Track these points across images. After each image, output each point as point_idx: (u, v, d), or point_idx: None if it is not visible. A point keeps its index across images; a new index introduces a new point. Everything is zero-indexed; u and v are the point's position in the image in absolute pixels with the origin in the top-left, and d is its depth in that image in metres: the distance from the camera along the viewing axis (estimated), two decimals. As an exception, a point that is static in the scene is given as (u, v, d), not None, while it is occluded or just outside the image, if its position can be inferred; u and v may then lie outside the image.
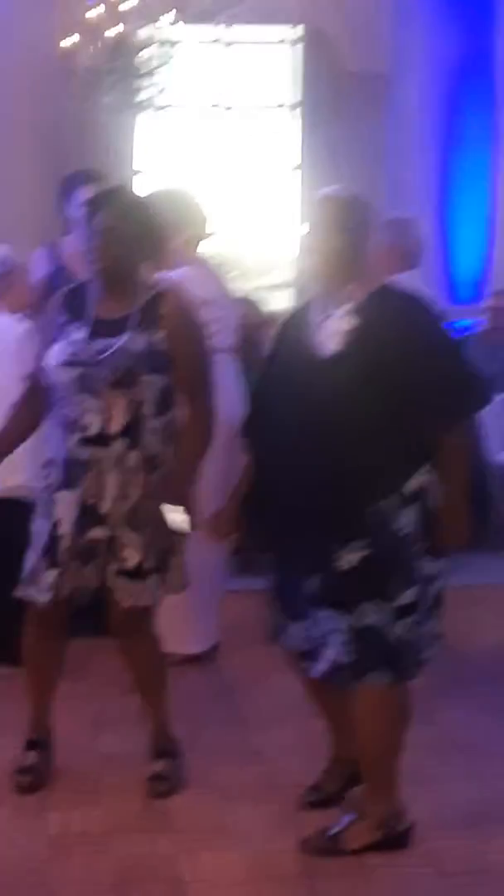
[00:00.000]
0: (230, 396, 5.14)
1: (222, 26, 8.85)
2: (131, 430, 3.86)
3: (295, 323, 3.74)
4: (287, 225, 10.15)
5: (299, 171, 10.04)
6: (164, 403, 3.94)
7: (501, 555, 7.09)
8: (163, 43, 7.72)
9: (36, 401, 4.05)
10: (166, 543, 3.96)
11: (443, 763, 4.34)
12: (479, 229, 9.91)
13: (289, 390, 3.67)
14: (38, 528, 3.96)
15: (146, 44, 7.86)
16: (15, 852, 3.72)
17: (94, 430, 3.86)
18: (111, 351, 3.85)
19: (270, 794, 4.06)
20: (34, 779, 4.09)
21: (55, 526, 3.89)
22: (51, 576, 3.89)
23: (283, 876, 3.58)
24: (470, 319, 9.12)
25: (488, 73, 9.76)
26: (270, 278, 10.76)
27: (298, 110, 10.14)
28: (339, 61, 9.84)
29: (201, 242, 5.36)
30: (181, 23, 7.80)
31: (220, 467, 5.09)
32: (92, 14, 7.68)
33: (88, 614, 4.12)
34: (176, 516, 3.93)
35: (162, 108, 9.41)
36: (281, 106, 10.26)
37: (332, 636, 3.59)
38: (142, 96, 7.98)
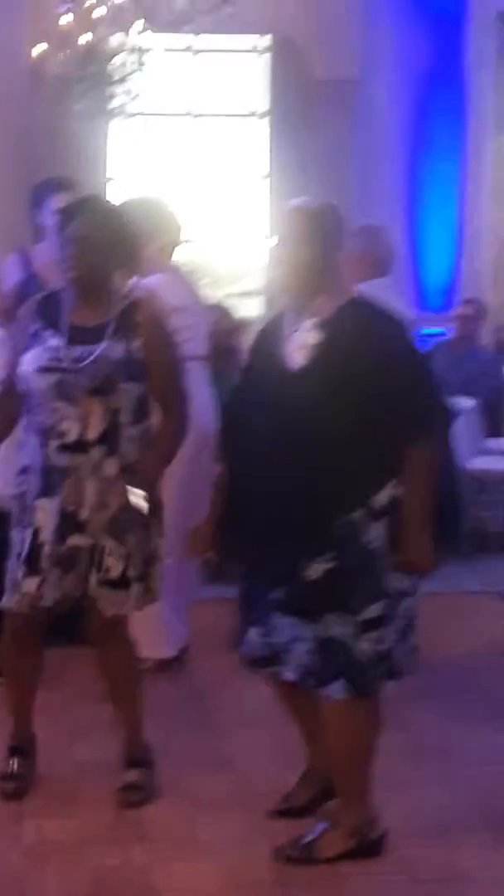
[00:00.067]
0: (201, 404, 5.15)
1: (192, 34, 8.85)
2: (109, 438, 3.87)
3: (269, 333, 3.74)
4: (257, 232, 10.16)
5: (269, 179, 10.05)
6: (141, 411, 3.95)
7: (472, 562, 7.14)
8: (133, 50, 7.71)
9: (8, 407, 4.04)
10: (147, 551, 3.96)
11: (415, 769, 4.35)
12: (449, 237, 9.95)
13: (261, 401, 3.68)
14: (16, 537, 3.95)
15: (117, 51, 7.85)
16: (-10, 862, 3.71)
17: (71, 436, 3.86)
18: (91, 358, 3.85)
19: (243, 803, 4.06)
20: (18, 786, 4.10)
21: (36, 534, 3.89)
22: (32, 584, 3.88)
23: (256, 885, 3.58)
24: (439, 327, 9.17)
25: (457, 79, 9.81)
26: (241, 286, 10.78)
27: (267, 118, 10.16)
28: (308, 69, 9.86)
29: (174, 250, 5.37)
30: (151, 31, 7.79)
31: (190, 473, 5.11)
32: (63, 22, 7.66)
33: (62, 623, 4.12)
34: (136, 498, 3.90)
35: (133, 115, 9.42)
36: (251, 114, 10.28)
37: (297, 644, 3.59)
38: (113, 104, 7.97)
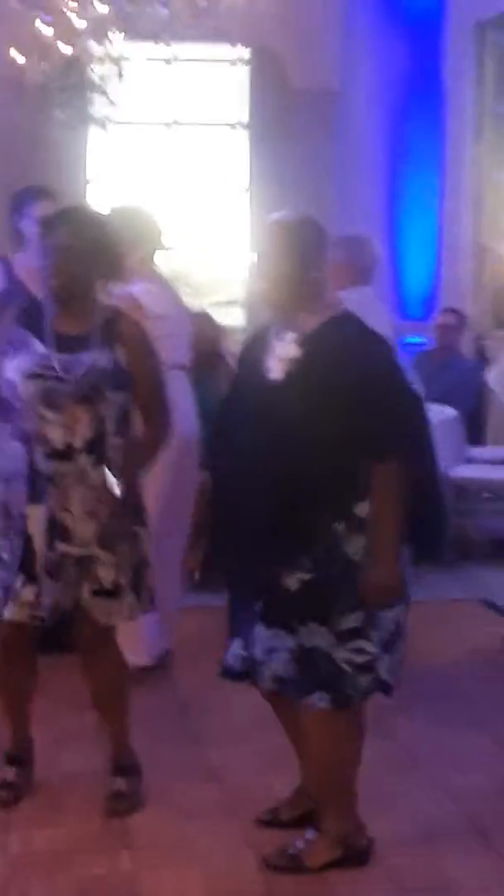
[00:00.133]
0: (183, 412, 5.15)
1: (171, 44, 8.85)
2: (95, 446, 3.86)
3: (254, 345, 3.74)
4: (237, 242, 10.17)
5: (248, 188, 10.06)
6: (125, 421, 3.95)
7: (455, 570, 7.15)
8: (113, 59, 7.72)
9: None
10: (138, 560, 3.97)
11: (401, 778, 4.35)
12: (428, 246, 9.97)
13: (245, 412, 3.68)
14: (5, 546, 3.93)
15: (97, 60, 7.85)
16: (-24, 872, 3.69)
17: (57, 444, 3.85)
18: (79, 366, 3.85)
19: (229, 812, 4.05)
20: (13, 794, 4.10)
21: (28, 541, 3.88)
22: (30, 593, 3.88)
23: (242, 892, 3.57)
24: (419, 337, 9.19)
25: (435, 89, 9.83)
26: (222, 295, 10.79)
27: (247, 128, 10.17)
28: (287, 80, 9.88)
29: (156, 257, 5.37)
30: (131, 40, 7.79)
31: (174, 481, 5.11)
32: (44, 31, 7.66)
33: (47, 632, 4.10)
34: (111, 481, 3.89)
35: (112, 122, 9.42)
36: (232, 127, 10.29)
37: (275, 655, 3.58)
38: (93, 112, 7.97)
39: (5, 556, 3.93)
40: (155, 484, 4.77)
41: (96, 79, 7.82)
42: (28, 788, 4.15)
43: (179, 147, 10.26)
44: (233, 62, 10.19)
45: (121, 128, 9.84)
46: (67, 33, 7.65)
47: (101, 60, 7.89)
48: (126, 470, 3.92)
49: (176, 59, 9.76)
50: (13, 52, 7.67)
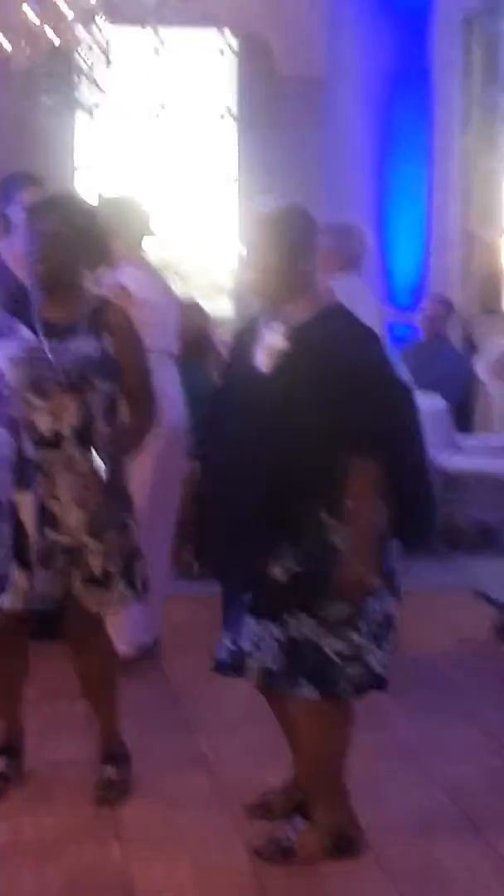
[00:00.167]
0: (171, 399, 5.14)
1: (157, 30, 8.83)
2: (82, 434, 3.85)
3: (245, 335, 3.72)
4: (225, 229, 10.15)
5: (236, 176, 10.04)
6: (112, 410, 3.94)
7: (444, 560, 7.15)
8: (99, 45, 7.68)
9: None
10: (128, 548, 3.95)
11: (391, 768, 4.35)
12: (416, 235, 9.97)
13: (235, 403, 3.67)
14: None
15: (83, 46, 7.82)
16: (-36, 862, 3.68)
17: (44, 431, 3.84)
18: (67, 354, 3.84)
19: (219, 802, 4.04)
20: (2, 784, 4.09)
21: (20, 528, 3.86)
22: (24, 580, 3.86)
23: (233, 883, 3.57)
24: (407, 325, 9.19)
25: (423, 78, 9.83)
26: (209, 282, 10.76)
27: (234, 116, 10.14)
28: (275, 67, 9.85)
29: (144, 245, 5.35)
30: (117, 25, 7.76)
31: (161, 469, 5.10)
32: (29, 16, 7.63)
33: (38, 620, 4.09)
34: (98, 464, 3.87)
35: (99, 108, 9.39)
36: (221, 116, 10.27)
37: (263, 645, 3.56)
38: (79, 98, 7.94)
39: None
40: (142, 472, 4.76)
41: (84, 65, 7.78)
42: (17, 778, 4.14)
43: (167, 135, 10.22)
44: (221, 50, 10.15)
45: (108, 114, 9.81)
46: (55, 19, 7.61)
47: (88, 47, 7.85)
48: (113, 458, 3.90)
49: (163, 43, 9.73)
50: (0, 38, 7.63)
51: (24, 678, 4.19)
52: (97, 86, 7.82)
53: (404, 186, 9.97)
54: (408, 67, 9.90)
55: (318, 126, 9.88)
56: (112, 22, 7.61)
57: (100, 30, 7.67)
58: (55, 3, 7.66)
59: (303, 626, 3.51)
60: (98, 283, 4.70)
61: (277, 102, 9.87)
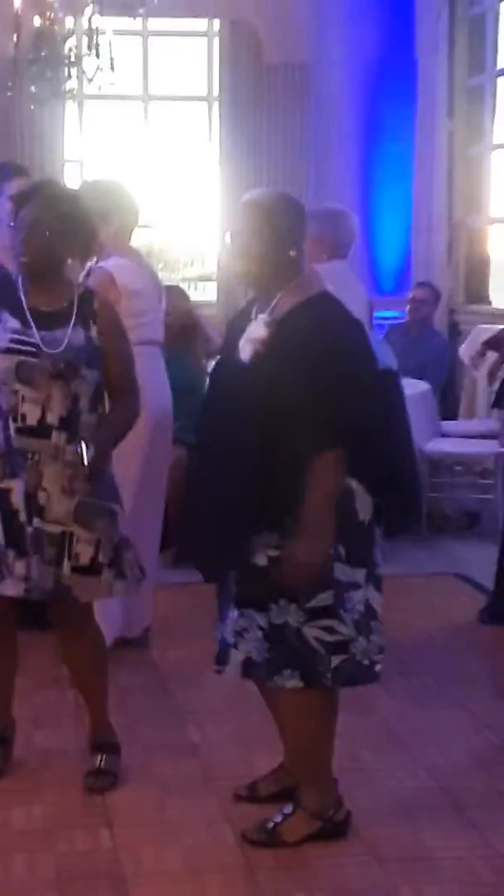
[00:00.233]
0: (155, 388, 5.15)
1: (143, 18, 8.81)
2: (69, 423, 3.86)
3: (236, 322, 3.72)
4: (211, 216, 10.15)
5: (220, 162, 10.03)
6: (97, 398, 3.95)
7: (429, 544, 7.19)
8: (86, 33, 7.65)
9: None
10: (117, 537, 3.96)
11: (377, 751, 4.38)
12: (402, 220, 9.97)
13: (221, 391, 3.69)
14: None
15: (70, 34, 7.79)
16: (-45, 851, 3.70)
17: (31, 420, 3.84)
18: (53, 342, 3.84)
19: (209, 788, 4.07)
20: None
21: (14, 516, 3.87)
22: (23, 567, 3.87)
23: (223, 868, 3.59)
24: (392, 311, 9.21)
25: (409, 64, 9.81)
26: (195, 270, 10.78)
27: (218, 102, 10.13)
28: (260, 53, 9.83)
29: (132, 233, 5.35)
30: (103, 13, 7.73)
31: (147, 458, 5.12)
32: (15, 4, 7.60)
33: (28, 609, 4.11)
34: (82, 450, 3.86)
35: (86, 97, 9.38)
36: (203, 100, 10.26)
37: (248, 634, 3.58)
38: (67, 86, 7.91)
39: None
40: (129, 462, 4.77)
41: (70, 53, 7.75)
42: (7, 767, 4.15)
43: (152, 120, 10.21)
44: (206, 34, 10.13)
45: (95, 102, 9.80)
46: (39, 5, 7.58)
47: (75, 34, 7.83)
48: (99, 446, 3.89)
49: (148, 29, 9.73)
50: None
51: (14, 667, 4.20)
52: (85, 75, 7.78)
53: (389, 172, 9.97)
54: (393, 54, 9.88)
55: (303, 113, 9.87)
56: (101, 13, 7.57)
57: (88, 18, 7.63)
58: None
59: (285, 613, 3.52)
60: (84, 272, 4.72)
61: (263, 89, 9.85)
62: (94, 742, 4.16)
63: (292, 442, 3.42)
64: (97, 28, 7.55)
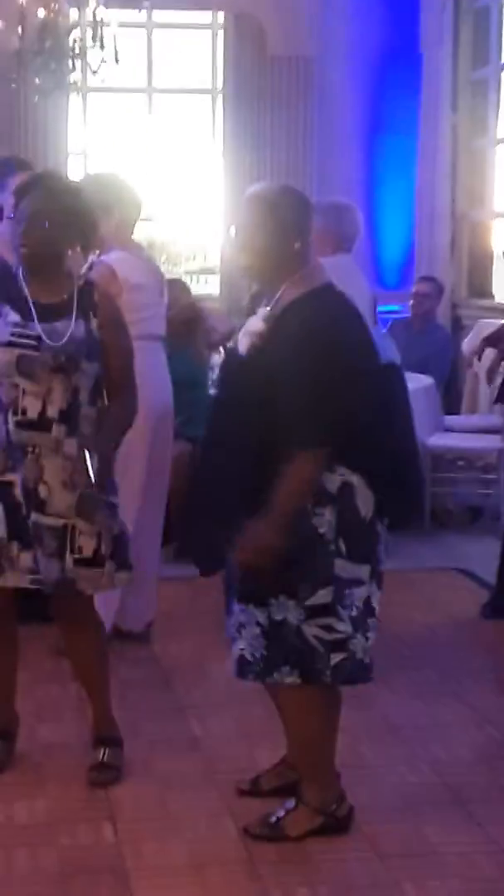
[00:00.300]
0: (156, 383, 5.15)
1: (148, 10, 8.81)
2: (69, 417, 3.85)
3: (247, 314, 3.72)
4: (214, 210, 10.15)
5: (224, 155, 10.03)
6: (97, 392, 3.94)
7: (431, 538, 7.19)
8: (91, 25, 7.65)
9: None
10: (117, 528, 3.96)
11: (378, 746, 4.38)
12: (406, 214, 9.97)
13: (224, 383, 3.71)
14: None
15: (74, 26, 7.79)
16: (-42, 845, 3.70)
17: (31, 414, 3.84)
18: (54, 335, 3.84)
19: (211, 782, 4.07)
20: None
21: (17, 508, 3.86)
22: (29, 559, 3.87)
23: (225, 862, 3.60)
24: (396, 305, 9.21)
25: (413, 57, 9.81)
26: (197, 263, 10.77)
27: (222, 95, 10.13)
28: (265, 45, 9.83)
29: (134, 226, 5.35)
30: (108, 6, 7.73)
31: (150, 452, 5.12)
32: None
33: (23, 602, 4.12)
34: (89, 461, 3.87)
35: (91, 90, 9.39)
36: (207, 92, 10.26)
37: (246, 630, 3.58)
38: (71, 78, 7.91)
39: None
40: (131, 457, 4.78)
41: (75, 45, 7.75)
42: (8, 762, 4.14)
43: (157, 114, 10.21)
44: (210, 27, 10.13)
45: (99, 95, 9.80)
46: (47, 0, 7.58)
47: (79, 26, 7.82)
48: (98, 439, 3.90)
49: (152, 22, 9.72)
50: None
51: (16, 661, 4.20)
52: (90, 67, 7.78)
53: (393, 166, 9.97)
54: (397, 47, 9.88)
55: (307, 106, 9.88)
56: (106, 5, 7.57)
57: (93, 11, 7.63)
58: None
59: (284, 610, 3.52)
60: (87, 265, 4.71)
61: (267, 82, 9.85)
62: (96, 736, 4.15)
63: (286, 435, 3.41)
64: (101, 20, 7.55)
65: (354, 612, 3.55)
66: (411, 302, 8.90)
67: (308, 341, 3.41)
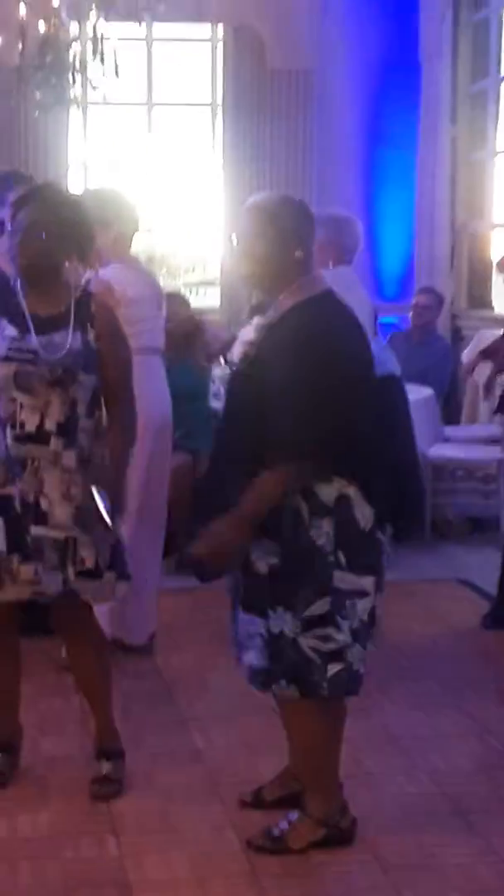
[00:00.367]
0: (155, 396, 5.16)
1: (148, 24, 8.83)
2: (67, 429, 3.87)
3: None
4: (214, 222, 10.17)
5: (224, 168, 10.06)
6: (94, 403, 3.95)
7: (432, 549, 7.20)
8: (91, 39, 7.68)
9: None
10: (113, 539, 3.97)
11: (380, 757, 4.39)
12: (405, 226, 9.99)
13: (226, 393, 3.72)
14: None
15: (74, 40, 7.82)
16: (-38, 858, 3.71)
17: (29, 427, 3.85)
18: (51, 348, 3.85)
19: (214, 795, 4.08)
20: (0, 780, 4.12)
21: (17, 521, 3.88)
22: (30, 570, 3.88)
23: (228, 875, 3.60)
24: (395, 316, 9.23)
25: (412, 69, 9.83)
26: (196, 275, 10.79)
27: (222, 108, 10.16)
28: (264, 59, 9.86)
29: (132, 240, 5.37)
30: (108, 20, 7.75)
31: (148, 465, 5.13)
32: (20, 10, 7.62)
33: (26, 614, 4.13)
34: (98, 499, 3.90)
35: (90, 103, 9.41)
36: (207, 106, 10.29)
37: (252, 639, 3.59)
38: (72, 92, 7.93)
39: None
40: (130, 470, 4.78)
41: (75, 59, 7.77)
42: (11, 775, 4.15)
43: (158, 128, 10.24)
44: (210, 40, 10.16)
45: (99, 109, 9.82)
46: (46, 13, 7.60)
47: (79, 41, 7.85)
48: (94, 451, 3.92)
49: (152, 36, 9.74)
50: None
51: (19, 674, 4.21)
52: (90, 82, 7.81)
53: (392, 178, 9.99)
54: (396, 59, 9.91)
55: (307, 119, 9.91)
56: (106, 18, 7.59)
57: (93, 25, 7.66)
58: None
59: (282, 622, 3.53)
60: (84, 280, 4.73)
61: (267, 95, 9.88)
62: (99, 748, 4.16)
63: (276, 445, 3.41)
64: (102, 35, 7.56)
65: (356, 624, 3.56)
66: (411, 313, 8.91)
67: (305, 349, 3.41)
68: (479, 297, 9.99)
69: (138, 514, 5.07)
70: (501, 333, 7.02)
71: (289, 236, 3.53)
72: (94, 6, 7.61)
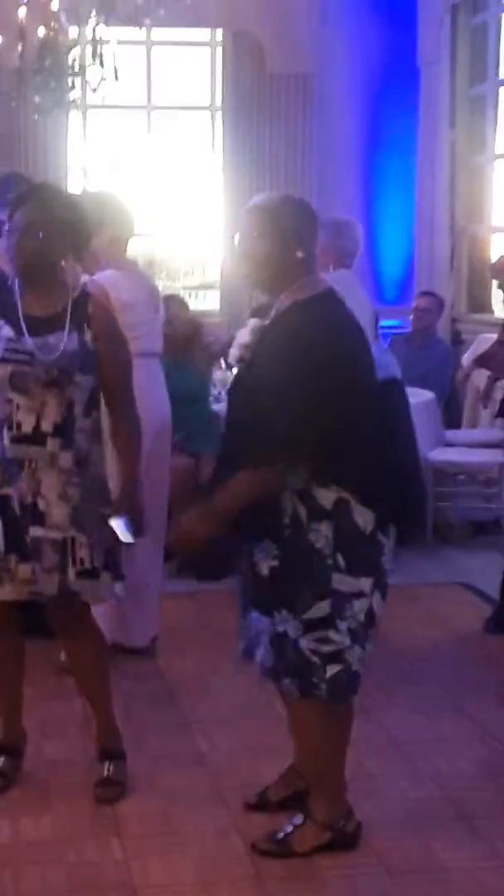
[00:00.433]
0: (154, 399, 5.15)
1: (147, 27, 8.83)
2: (63, 430, 3.86)
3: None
4: (213, 226, 10.17)
5: (223, 172, 10.06)
6: (91, 404, 3.94)
7: (434, 553, 7.19)
8: (90, 43, 7.68)
9: None
10: (109, 539, 3.96)
11: (383, 761, 4.38)
12: (405, 230, 10.00)
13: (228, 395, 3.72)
14: None
15: (74, 44, 7.82)
16: (-34, 862, 3.70)
17: (26, 428, 3.85)
18: (47, 348, 3.84)
19: (217, 798, 4.07)
20: (2, 784, 4.10)
21: (14, 522, 3.87)
22: (27, 570, 3.87)
23: (232, 879, 3.59)
24: (395, 320, 9.22)
25: (412, 73, 9.84)
26: (196, 278, 10.79)
27: (221, 112, 10.16)
28: (264, 63, 9.86)
29: (127, 244, 5.36)
30: (108, 24, 7.75)
31: (146, 469, 5.11)
32: (20, 14, 7.61)
33: (28, 616, 4.13)
34: (117, 526, 3.92)
35: (90, 106, 9.42)
36: (206, 109, 10.29)
37: (261, 636, 3.60)
38: (71, 96, 7.93)
39: None
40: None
41: (74, 63, 7.77)
42: (15, 779, 4.15)
43: (157, 131, 10.24)
44: (209, 44, 10.17)
45: (98, 112, 9.83)
46: (43, 14, 7.60)
47: (79, 44, 7.85)
48: (92, 451, 3.92)
49: (151, 39, 9.74)
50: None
51: (21, 676, 4.20)
52: (89, 85, 7.81)
53: (392, 182, 10.00)
54: (395, 63, 9.92)
55: (306, 123, 9.91)
56: (106, 23, 7.59)
57: (92, 28, 7.65)
58: (47, 1, 7.63)
59: (284, 623, 3.53)
60: (80, 285, 4.72)
61: (266, 99, 9.88)
62: (100, 748, 4.16)
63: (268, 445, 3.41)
64: (101, 38, 7.56)
65: (354, 625, 3.55)
66: (411, 317, 8.91)
67: (305, 351, 3.40)
68: (479, 301, 9.99)
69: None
70: (495, 339, 7.01)
71: (289, 236, 3.53)
72: (93, 11, 7.60)
